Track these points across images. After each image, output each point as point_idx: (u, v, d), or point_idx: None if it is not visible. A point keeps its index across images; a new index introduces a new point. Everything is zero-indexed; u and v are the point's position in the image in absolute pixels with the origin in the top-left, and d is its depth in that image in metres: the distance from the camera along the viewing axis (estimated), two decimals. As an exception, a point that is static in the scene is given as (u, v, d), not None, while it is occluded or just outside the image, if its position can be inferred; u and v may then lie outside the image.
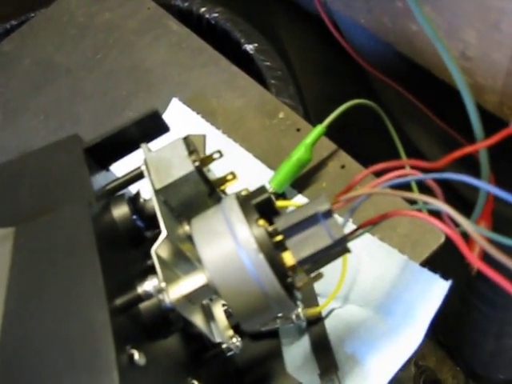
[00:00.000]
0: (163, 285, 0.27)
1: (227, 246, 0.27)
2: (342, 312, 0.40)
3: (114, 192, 0.34)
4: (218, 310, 0.34)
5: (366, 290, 0.40)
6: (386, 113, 0.50)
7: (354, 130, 0.52)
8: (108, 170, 0.37)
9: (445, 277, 0.36)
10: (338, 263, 0.32)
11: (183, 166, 0.31)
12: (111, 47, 0.65)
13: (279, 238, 0.27)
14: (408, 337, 0.36)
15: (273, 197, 0.29)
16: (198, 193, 0.32)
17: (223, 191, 0.34)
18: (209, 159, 0.32)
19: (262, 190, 0.29)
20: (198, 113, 0.55)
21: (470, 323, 0.74)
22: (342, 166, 0.48)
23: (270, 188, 0.45)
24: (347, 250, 0.28)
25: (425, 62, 0.49)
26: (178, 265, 0.31)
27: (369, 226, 0.30)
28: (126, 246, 0.33)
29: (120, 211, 0.33)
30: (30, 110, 0.63)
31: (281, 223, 0.27)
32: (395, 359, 0.36)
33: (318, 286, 0.41)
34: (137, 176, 0.34)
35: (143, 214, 0.34)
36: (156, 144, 0.36)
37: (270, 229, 0.27)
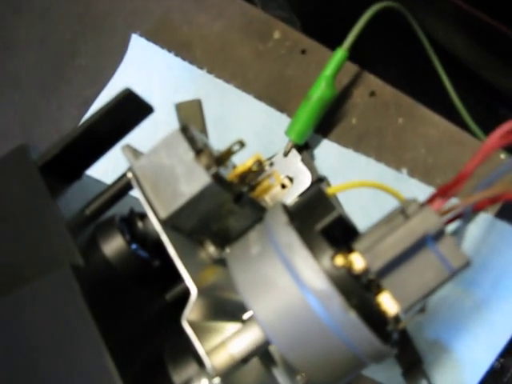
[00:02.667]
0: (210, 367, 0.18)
1: (296, 304, 0.18)
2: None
3: (98, 216, 0.24)
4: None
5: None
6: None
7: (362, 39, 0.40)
8: (80, 177, 0.26)
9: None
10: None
11: (194, 177, 0.21)
12: (37, -24, 0.51)
13: (370, 277, 0.18)
14: (504, 313, 0.29)
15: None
16: (220, 204, 0.22)
17: (249, 183, 0.24)
18: (226, 155, 0.22)
19: (323, 202, 0.19)
20: (169, 50, 0.43)
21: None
22: (372, 93, 0.37)
23: (289, 142, 0.35)
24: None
25: None
26: (215, 315, 0.22)
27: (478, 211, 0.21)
28: (132, 290, 0.24)
29: (112, 245, 0.24)
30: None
31: (375, 262, 0.17)
32: (491, 342, 0.29)
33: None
34: (125, 187, 0.24)
35: (144, 240, 0.24)
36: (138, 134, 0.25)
37: (357, 270, 0.18)
